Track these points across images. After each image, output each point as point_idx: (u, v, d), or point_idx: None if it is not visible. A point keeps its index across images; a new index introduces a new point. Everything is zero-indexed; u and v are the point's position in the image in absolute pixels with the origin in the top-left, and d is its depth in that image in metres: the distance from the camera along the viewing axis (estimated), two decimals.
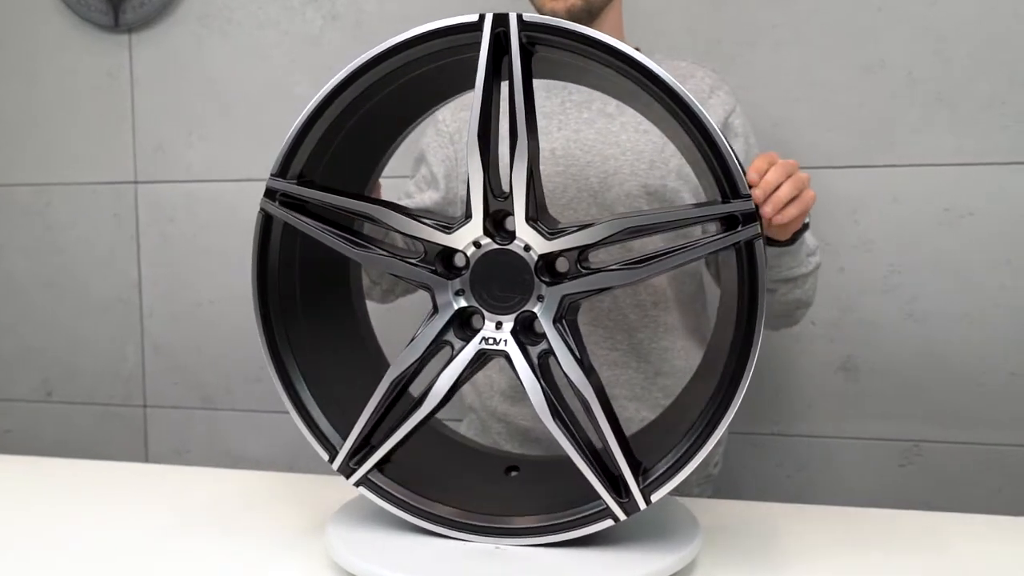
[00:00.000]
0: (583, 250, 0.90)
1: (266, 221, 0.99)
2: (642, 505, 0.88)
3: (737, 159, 0.84)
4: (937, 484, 1.64)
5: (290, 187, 0.96)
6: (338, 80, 0.94)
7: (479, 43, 0.88)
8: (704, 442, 0.87)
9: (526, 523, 0.91)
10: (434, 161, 1.34)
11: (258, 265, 0.99)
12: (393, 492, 0.95)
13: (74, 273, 2.02)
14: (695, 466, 0.87)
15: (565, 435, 0.89)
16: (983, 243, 1.58)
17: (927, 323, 1.62)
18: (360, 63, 0.94)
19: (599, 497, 0.89)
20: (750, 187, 0.87)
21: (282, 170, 0.96)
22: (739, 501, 1.16)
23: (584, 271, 0.90)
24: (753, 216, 0.83)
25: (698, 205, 0.89)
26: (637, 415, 1.29)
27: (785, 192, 0.90)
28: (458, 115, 1.34)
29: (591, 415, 0.88)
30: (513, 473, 1.05)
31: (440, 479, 0.99)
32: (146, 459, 2.01)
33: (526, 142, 0.87)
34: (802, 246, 1.13)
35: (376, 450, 0.95)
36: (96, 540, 1.04)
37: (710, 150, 0.84)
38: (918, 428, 1.64)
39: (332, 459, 0.97)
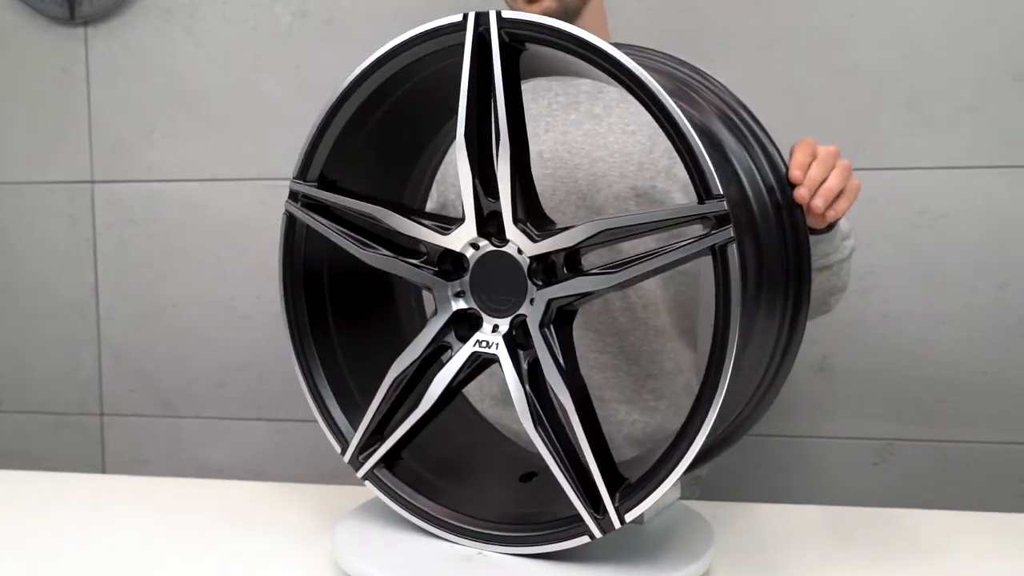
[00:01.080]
0: (572, 253, 0.87)
1: (290, 222, 1.00)
2: (616, 524, 0.84)
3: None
4: (910, 481, 1.67)
5: (308, 189, 0.97)
6: (345, 85, 0.96)
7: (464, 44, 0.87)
8: (680, 460, 0.81)
9: (506, 531, 0.90)
10: None
11: (283, 267, 1.01)
12: (396, 489, 0.96)
13: (26, 276, 1.93)
14: (670, 485, 0.81)
15: (545, 444, 0.86)
16: (955, 245, 1.62)
17: (901, 323, 1.64)
18: (360, 71, 0.96)
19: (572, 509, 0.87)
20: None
21: (302, 172, 0.97)
22: (736, 503, 1.15)
23: (571, 275, 0.87)
24: (726, 218, 0.77)
25: (677, 207, 0.89)
26: (628, 418, 1.28)
27: (835, 183, 0.88)
28: None
29: (569, 425, 0.85)
30: (534, 479, 1.03)
31: (449, 478, 0.99)
32: (103, 470, 1.94)
33: (507, 142, 0.85)
34: (836, 232, 1.07)
35: (378, 448, 0.95)
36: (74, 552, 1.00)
37: (684, 149, 0.79)
38: (892, 427, 1.67)
39: (343, 452, 0.99)
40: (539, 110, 1.25)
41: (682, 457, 0.80)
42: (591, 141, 1.23)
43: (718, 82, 0.98)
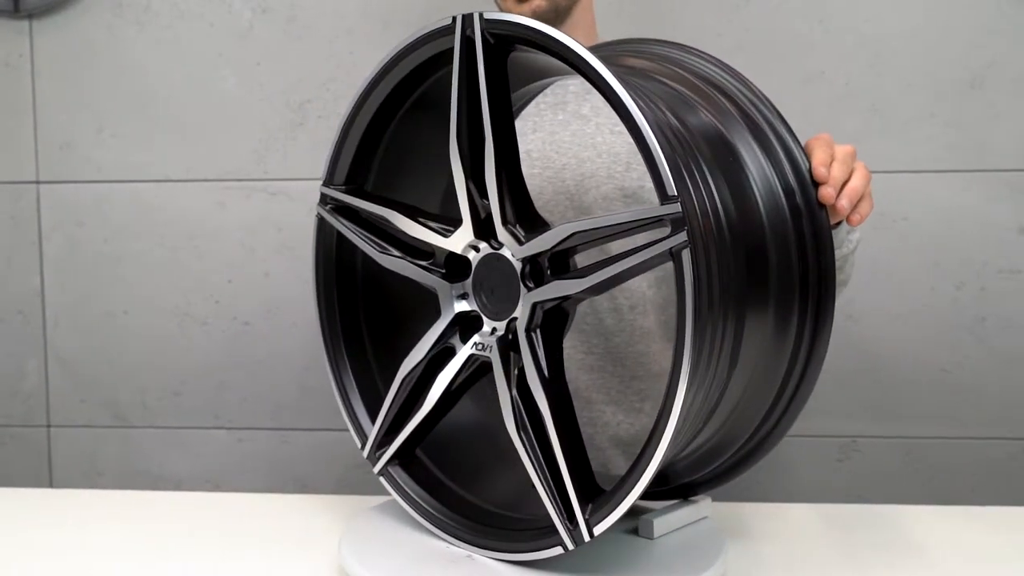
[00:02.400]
0: (560, 255, 0.85)
1: (320, 225, 1.02)
2: (586, 537, 0.81)
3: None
4: (874, 478, 1.71)
5: (334, 193, 0.99)
6: (358, 95, 0.97)
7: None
8: (644, 470, 0.77)
9: (493, 535, 0.89)
10: None
11: (316, 269, 1.03)
12: (404, 486, 0.97)
13: None
14: (635, 498, 0.78)
15: (526, 450, 0.85)
16: (914, 246, 1.67)
17: (863, 323, 1.68)
18: (371, 78, 0.97)
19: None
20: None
21: (329, 177, 0.99)
22: (728, 503, 1.16)
23: (552, 278, 0.85)
24: (681, 222, 0.73)
25: (637, 209, 0.82)
26: (614, 419, 1.28)
27: (860, 184, 0.88)
28: None
29: (545, 434, 0.83)
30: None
31: (458, 478, 0.99)
32: (50, 484, 1.85)
33: (492, 143, 0.84)
34: (843, 225, 1.03)
35: (389, 444, 0.97)
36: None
37: (642, 149, 0.77)
38: (856, 424, 1.71)
39: (363, 446, 1.00)
40: (527, 109, 1.24)
41: (644, 470, 0.77)
42: (579, 141, 1.22)
43: (750, 84, 0.96)
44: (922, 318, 1.68)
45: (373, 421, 1.00)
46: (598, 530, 0.80)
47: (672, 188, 0.74)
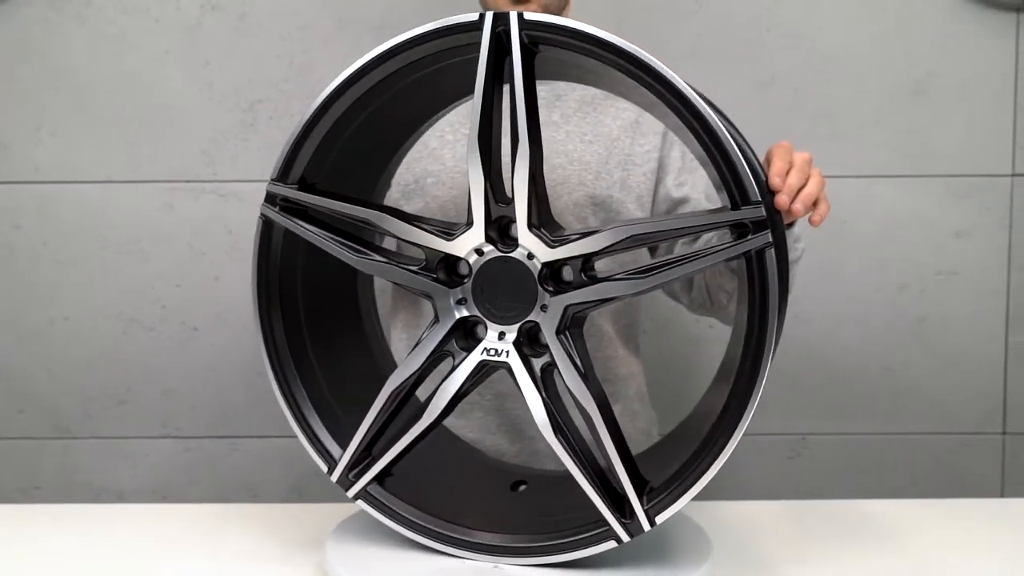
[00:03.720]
0: (587, 258, 0.87)
1: (266, 227, 0.94)
2: (646, 527, 0.85)
3: (754, 164, 0.85)
4: (823, 473, 1.76)
5: (291, 192, 0.92)
6: (338, 83, 0.91)
7: (478, 43, 0.85)
8: (713, 461, 0.83)
9: (525, 542, 0.89)
10: None
11: (258, 273, 0.95)
12: (392, 507, 0.93)
13: None
14: (704, 485, 0.83)
15: (567, 451, 0.86)
16: (859, 249, 1.72)
17: (811, 324, 1.73)
18: (358, 66, 0.90)
19: (601, 517, 0.87)
20: (773, 192, 0.88)
21: (283, 175, 0.91)
22: (706, 502, 1.18)
23: (589, 280, 0.87)
24: (764, 224, 0.79)
25: (710, 212, 0.88)
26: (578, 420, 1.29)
27: (814, 190, 0.91)
28: None
29: (594, 430, 0.85)
30: (522, 487, 1.01)
31: (443, 493, 0.96)
32: None
33: (527, 146, 0.84)
34: (790, 234, 1.05)
35: (376, 462, 0.92)
36: None
37: (719, 155, 0.81)
38: (805, 422, 1.75)
39: (331, 471, 0.94)
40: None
41: (716, 458, 0.82)
42: (550, 148, 1.22)
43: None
44: (867, 319, 1.73)
45: (336, 439, 0.95)
46: (660, 519, 0.84)
47: (756, 192, 0.79)
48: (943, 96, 1.69)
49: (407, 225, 0.90)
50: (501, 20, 0.83)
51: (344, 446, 0.94)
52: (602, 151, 1.24)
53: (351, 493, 0.94)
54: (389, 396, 0.91)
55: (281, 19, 1.69)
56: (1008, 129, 1.70)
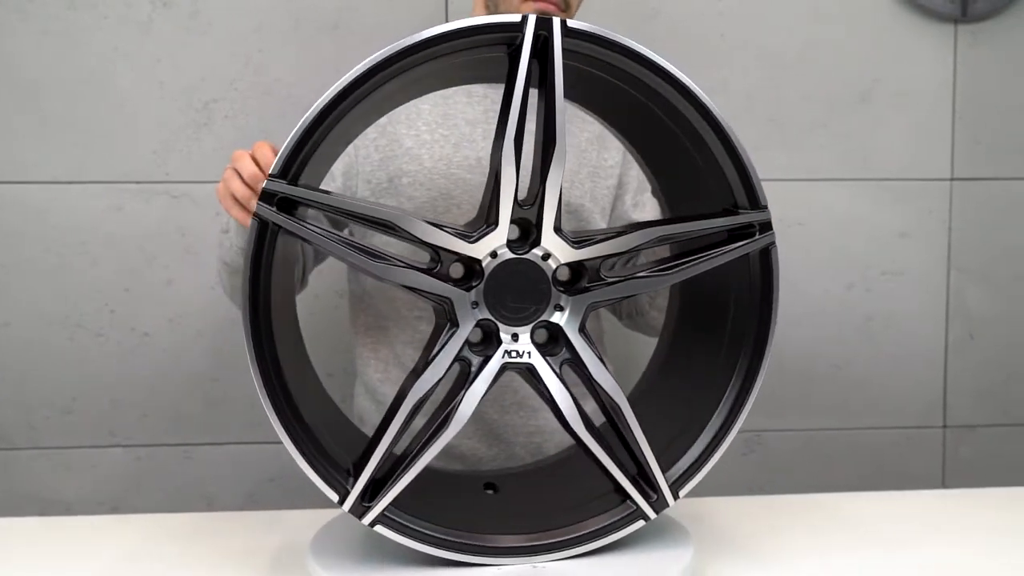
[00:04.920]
0: (606, 258, 0.90)
1: (262, 230, 0.84)
2: (671, 501, 0.91)
3: (755, 171, 0.89)
4: (776, 468, 1.81)
5: (296, 191, 0.84)
6: (357, 75, 0.84)
7: (497, 44, 0.86)
8: (726, 435, 0.94)
9: (557, 537, 0.89)
10: None
11: (251, 281, 0.84)
12: (413, 526, 0.87)
13: None
14: (717, 460, 0.93)
15: (598, 443, 0.89)
16: (809, 251, 1.78)
17: None
18: (383, 57, 0.85)
19: (616, 501, 0.91)
20: None
21: (284, 172, 0.84)
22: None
23: (608, 279, 0.90)
24: (769, 225, 0.91)
25: (723, 215, 0.92)
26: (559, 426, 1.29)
27: None
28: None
29: (622, 420, 0.89)
30: (489, 491, 1.01)
31: (449, 503, 0.94)
32: None
33: (564, 151, 0.85)
34: None
35: (395, 482, 0.86)
36: None
37: (733, 162, 0.91)
38: (758, 419, 1.79)
39: (343, 500, 0.85)
40: (475, 115, 1.24)
41: (728, 432, 0.93)
42: (527, 152, 1.23)
43: None
44: (816, 318, 1.79)
45: (330, 463, 0.86)
46: (683, 492, 0.92)
47: (764, 198, 0.91)
48: (887, 103, 1.76)
49: (430, 227, 0.86)
50: (543, 25, 0.84)
51: (342, 469, 0.87)
52: (573, 162, 1.26)
53: (367, 520, 0.86)
54: (411, 411, 0.86)
55: (235, 18, 1.66)
56: (947, 135, 1.77)
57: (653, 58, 0.89)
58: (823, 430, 1.81)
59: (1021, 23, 1.77)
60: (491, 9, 1.23)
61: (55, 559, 0.99)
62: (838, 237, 1.78)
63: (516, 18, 0.84)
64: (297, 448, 0.84)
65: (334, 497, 0.85)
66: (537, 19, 0.84)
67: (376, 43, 1.63)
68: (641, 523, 0.91)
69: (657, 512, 0.92)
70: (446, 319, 0.88)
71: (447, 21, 1.70)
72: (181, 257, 1.68)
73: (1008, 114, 1.79)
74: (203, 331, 1.69)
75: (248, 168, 0.96)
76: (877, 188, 1.77)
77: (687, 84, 0.90)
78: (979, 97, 1.78)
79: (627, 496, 0.91)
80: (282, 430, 0.84)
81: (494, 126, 1.24)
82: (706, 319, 1.00)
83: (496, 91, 1.26)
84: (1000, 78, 1.78)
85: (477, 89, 1.25)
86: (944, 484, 1.84)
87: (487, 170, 1.22)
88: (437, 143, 1.20)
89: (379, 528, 0.86)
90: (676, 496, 0.92)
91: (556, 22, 0.84)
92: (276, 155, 0.84)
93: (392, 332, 1.25)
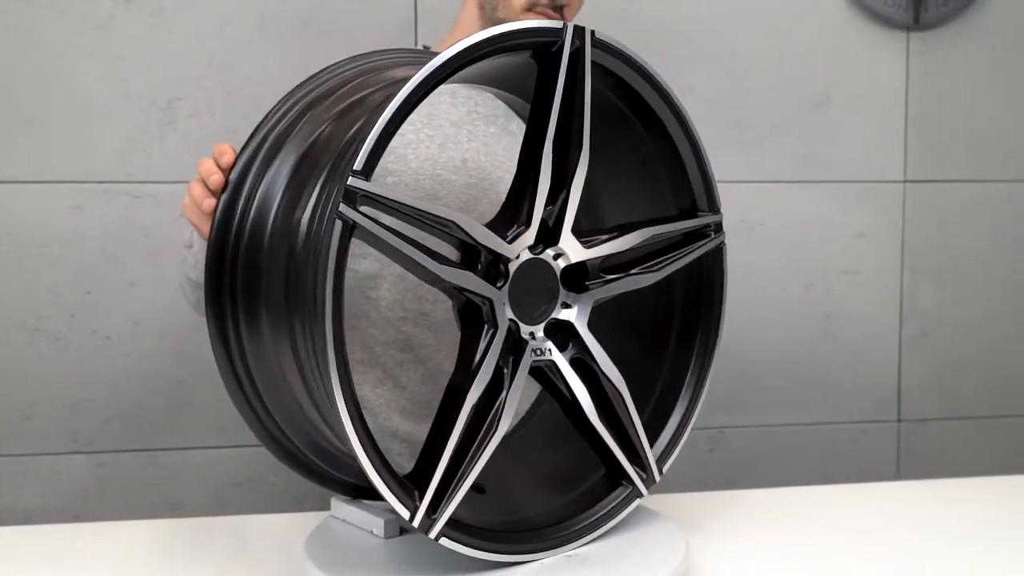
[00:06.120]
0: (608, 257, 0.92)
1: (346, 234, 0.75)
2: (657, 478, 0.96)
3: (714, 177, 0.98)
4: (740, 464, 1.85)
5: (379, 190, 0.76)
6: (430, 71, 0.78)
7: (525, 48, 0.86)
8: (692, 412, 1.01)
9: (574, 526, 0.92)
10: None
11: (334, 294, 0.75)
12: (481, 539, 0.84)
13: None
14: (687, 434, 1.01)
15: (611, 433, 0.92)
16: (769, 251, 1.82)
17: (727, 322, 1.81)
18: (453, 54, 0.79)
19: (606, 486, 0.95)
20: None
21: (367, 170, 0.75)
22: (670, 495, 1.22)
23: (606, 277, 0.93)
24: (720, 226, 1.00)
25: (692, 217, 0.98)
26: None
27: None
28: None
29: (623, 408, 0.92)
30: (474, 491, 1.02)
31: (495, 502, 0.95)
32: None
33: (587, 154, 0.87)
34: None
35: (454, 493, 0.81)
36: None
37: (699, 167, 0.97)
38: (723, 416, 1.84)
39: (413, 515, 0.79)
40: (459, 116, 1.24)
41: (695, 408, 1.00)
42: (511, 156, 1.23)
43: None
44: (777, 315, 1.83)
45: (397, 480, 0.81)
46: (666, 467, 0.98)
47: (719, 202, 0.98)
48: (844, 108, 1.82)
49: (482, 227, 0.84)
50: (578, 34, 0.86)
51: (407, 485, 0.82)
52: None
53: (434, 533, 0.81)
54: (471, 414, 0.83)
55: (199, 15, 1.63)
56: (900, 139, 1.84)
57: (647, 67, 0.93)
58: (784, 426, 1.86)
59: (969, 31, 1.84)
60: (487, 11, 1.24)
61: (13, 570, 0.95)
62: (798, 237, 1.83)
63: (558, 24, 0.85)
64: (372, 466, 0.79)
65: (405, 514, 0.80)
66: (574, 28, 0.86)
67: (345, 43, 1.66)
68: (638, 501, 0.96)
69: (648, 488, 0.96)
70: (482, 321, 0.86)
71: (416, 20, 1.71)
72: (144, 259, 1.65)
73: (958, 118, 1.86)
74: (167, 334, 1.66)
75: (207, 168, 0.92)
76: (835, 190, 1.83)
77: (668, 89, 0.95)
78: (931, 102, 1.84)
79: (622, 478, 0.95)
80: (359, 447, 0.78)
81: (478, 127, 1.26)
82: (654, 316, 1.06)
83: (479, 92, 1.27)
84: (950, 84, 1.85)
85: (461, 90, 1.25)
86: (898, 476, 1.90)
87: (472, 171, 1.23)
88: (423, 143, 1.20)
89: (444, 541, 0.82)
90: (661, 472, 0.97)
91: (587, 33, 0.87)
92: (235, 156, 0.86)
93: (370, 333, 1.24)
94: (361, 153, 0.74)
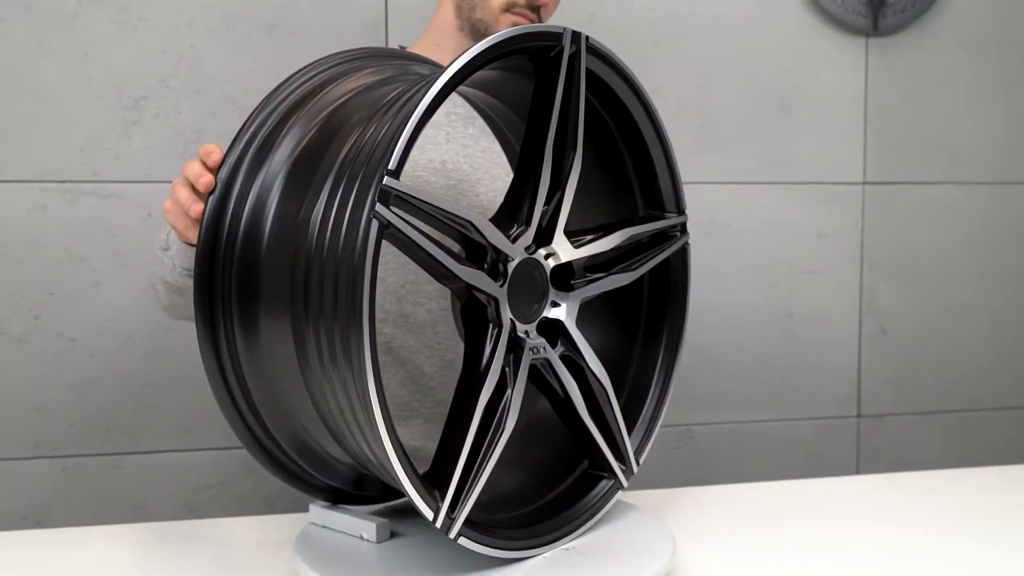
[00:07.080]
0: (593, 257, 0.94)
1: (380, 235, 0.74)
2: (635, 469, 0.99)
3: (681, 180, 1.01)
4: (707, 461, 1.88)
5: (412, 190, 0.76)
6: (456, 69, 0.78)
7: (522, 52, 0.86)
8: (663, 404, 1.04)
9: (570, 518, 0.93)
10: None
11: (370, 296, 0.74)
12: (495, 538, 0.85)
13: None
14: (658, 427, 1.04)
15: (598, 428, 0.94)
16: (736, 251, 1.86)
17: (693, 321, 1.81)
18: (476, 53, 0.79)
19: (588, 480, 0.98)
20: None
21: (398, 170, 0.74)
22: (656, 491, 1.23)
23: (589, 276, 0.95)
24: (685, 226, 1.03)
25: (666, 221, 1.00)
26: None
27: None
28: None
29: (607, 403, 0.94)
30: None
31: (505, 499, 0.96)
32: None
33: (581, 155, 0.89)
34: None
35: (470, 491, 0.82)
36: None
37: (668, 170, 1.01)
38: (689, 414, 1.87)
39: (436, 516, 0.79)
40: (438, 118, 1.24)
41: (664, 400, 1.03)
42: (490, 158, 1.24)
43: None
44: (742, 315, 1.87)
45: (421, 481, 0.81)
46: (642, 459, 1.01)
47: (685, 204, 1.01)
48: (805, 111, 1.86)
49: (493, 227, 0.84)
50: (575, 39, 0.87)
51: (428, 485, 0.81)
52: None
53: (453, 533, 0.81)
54: (484, 413, 0.83)
55: (167, 13, 1.61)
56: (860, 141, 1.88)
57: (629, 72, 0.96)
58: (749, 422, 1.89)
59: (926, 37, 1.90)
60: (464, 11, 1.24)
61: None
62: (763, 237, 1.87)
63: (559, 29, 0.86)
64: (402, 467, 0.78)
65: (429, 515, 0.80)
66: (572, 32, 0.87)
67: (314, 43, 1.65)
68: (620, 493, 0.98)
69: (627, 479, 0.99)
70: (486, 321, 0.86)
71: (387, 20, 1.70)
72: (110, 259, 1.62)
73: (916, 122, 1.91)
74: (134, 335, 1.64)
75: (195, 170, 0.88)
76: (798, 191, 1.87)
77: (645, 94, 0.97)
78: (889, 106, 1.89)
79: (604, 471, 0.97)
80: (392, 448, 0.77)
81: (456, 128, 1.27)
82: (621, 315, 1.09)
83: (456, 94, 1.27)
84: (908, 88, 1.90)
85: None
86: (858, 470, 1.95)
87: (451, 173, 1.24)
88: None
89: (463, 540, 0.82)
90: (638, 463, 1.00)
91: (582, 39, 0.88)
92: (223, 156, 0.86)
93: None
94: (395, 154, 0.74)
